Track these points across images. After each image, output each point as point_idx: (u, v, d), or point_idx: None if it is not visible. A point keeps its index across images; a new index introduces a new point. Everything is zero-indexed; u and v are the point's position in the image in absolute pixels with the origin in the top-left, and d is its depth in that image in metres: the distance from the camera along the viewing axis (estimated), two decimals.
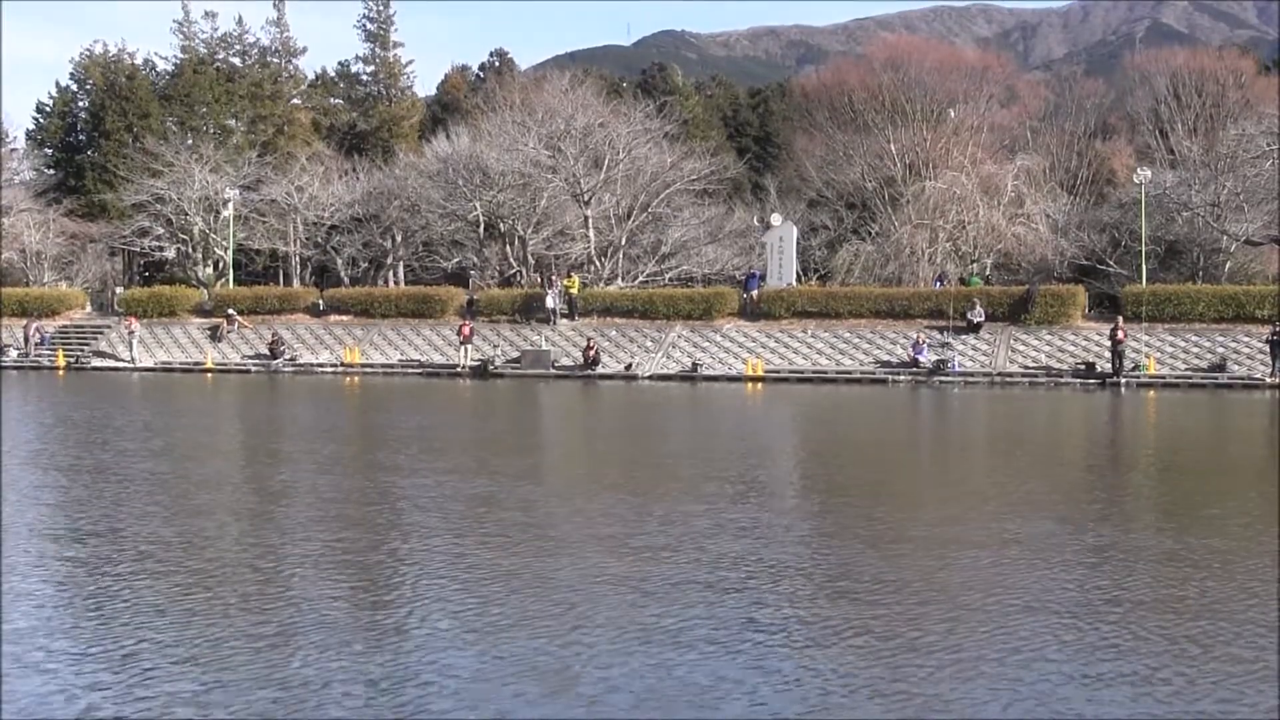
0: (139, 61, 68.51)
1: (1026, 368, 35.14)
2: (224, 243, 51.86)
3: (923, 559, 9.74)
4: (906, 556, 9.81)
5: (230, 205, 50.18)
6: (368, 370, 38.92)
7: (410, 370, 38.68)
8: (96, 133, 62.16)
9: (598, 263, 47.60)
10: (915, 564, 9.53)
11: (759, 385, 34.26)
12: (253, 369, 39.87)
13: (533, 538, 10.47)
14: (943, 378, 34.47)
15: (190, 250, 53.91)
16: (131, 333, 41.54)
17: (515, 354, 38.57)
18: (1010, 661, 6.75)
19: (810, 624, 7.62)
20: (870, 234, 49.27)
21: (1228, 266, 45.75)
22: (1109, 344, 34.04)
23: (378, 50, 68.88)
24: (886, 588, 8.58)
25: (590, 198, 47.18)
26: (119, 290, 53.17)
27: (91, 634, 7.34)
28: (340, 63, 73.59)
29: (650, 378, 36.31)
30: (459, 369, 37.94)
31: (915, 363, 35.32)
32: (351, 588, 8.78)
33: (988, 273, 47.59)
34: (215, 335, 42.45)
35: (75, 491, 13.42)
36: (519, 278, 48.38)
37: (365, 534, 10.74)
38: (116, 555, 9.72)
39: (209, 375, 38.81)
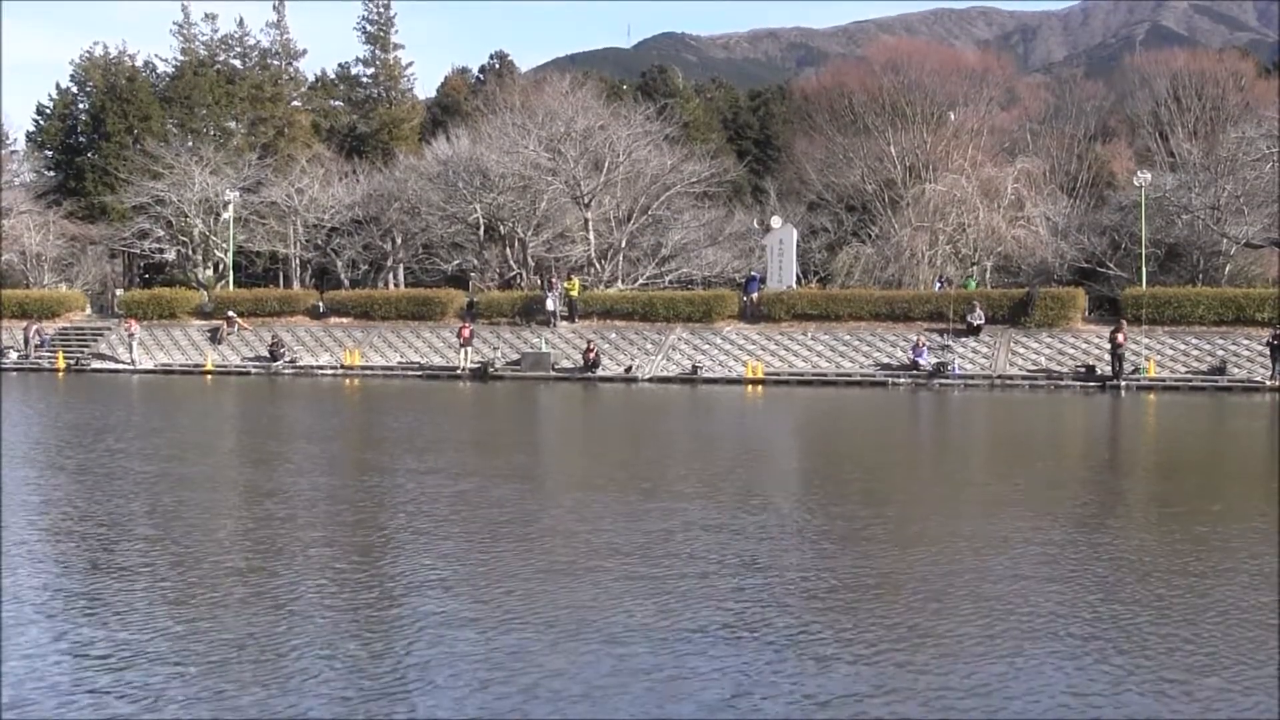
0: (139, 63, 68.74)
1: (1026, 370, 35.14)
2: (224, 245, 51.88)
3: (880, 556, 9.90)
4: (865, 553, 9.95)
5: (230, 207, 50.19)
6: (367, 372, 38.92)
7: (410, 373, 38.68)
8: (97, 135, 62.19)
9: (598, 265, 47.62)
10: (871, 561, 9.69)
11: (759, 388, 34.26)
12: (253, 371, 39.87)
13: (498, 536, 10.60)
14: (943, 380, 34.48)
15: (190, 252, 53.94)
16: (131, 335, 41.52)
17: (515, 356, 38.57)
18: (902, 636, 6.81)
19: (749, 622, 7.66)
20: (870, 236, 49.30)
21: (1228, 269, 45.78)
22: (1109, 347, 34.03)
23: (378, 52, 68.91)
24: (819, 579, 8.82)
25: (590, 200, 47.20)
26: (119, 292, 53.14)
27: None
28: (340, 65, 73.71)
29: (650, 380, 36.31)
30: (459, 371, 37.94)
31: (915, 365, 35.32)
32: (300, 580, 8.91)
33: (986, 276, 47.62)
34: (215, 337, 42.45)
35: (54, 490, 13.51)
36: (519, 280, 48.39)
37: (329, 531, 10.89)
38: (75, 549, 9.91)
39: (209, 377, 38.79)
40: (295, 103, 68.36)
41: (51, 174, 64.98)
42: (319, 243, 54.60)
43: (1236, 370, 33.62)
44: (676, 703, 6.12)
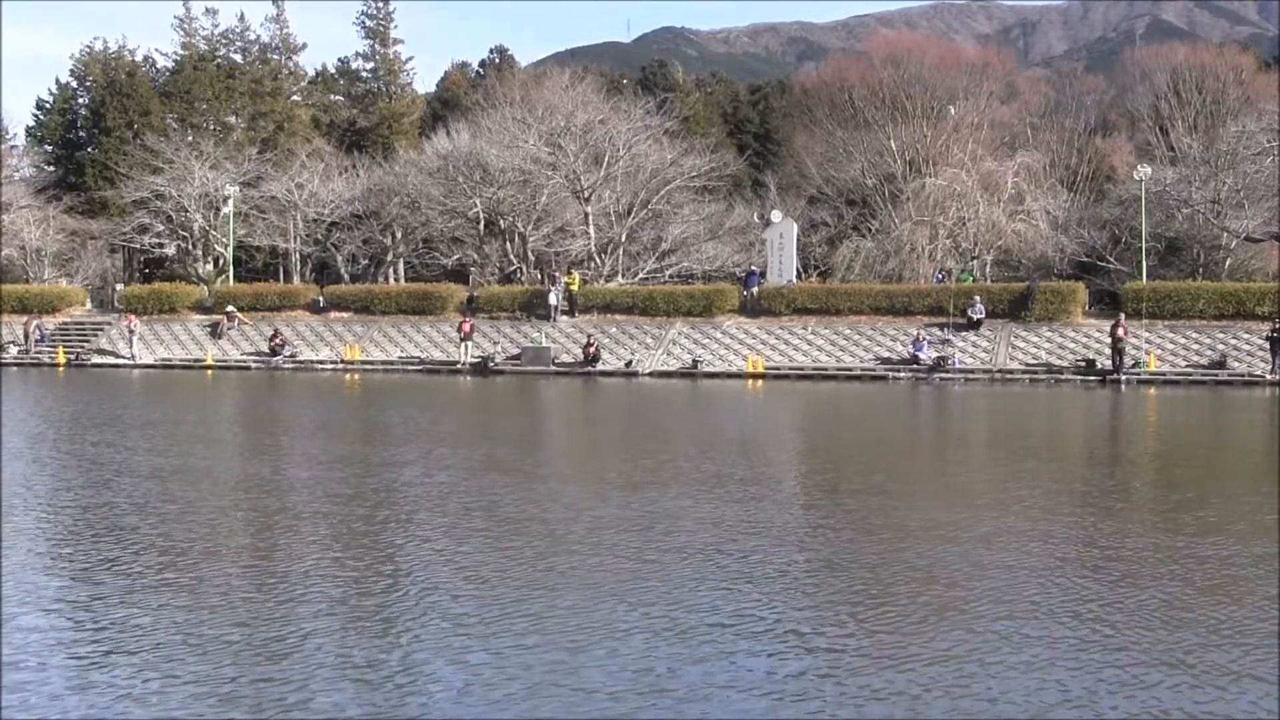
0: (139, 58, 68.63)
1: (1027, 364, 35.14)
2: (224, 239, 51.88)
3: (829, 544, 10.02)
4: (813, 542, 10.07)
5: (230, 202, 50.18)
6: (367, 367, 38.94)
7: (410, 367, 38.71)
8: (97, 129, 62.15)
9: (598, 259, 47.62)
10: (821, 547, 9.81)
11: (759, 382, 34.27)
12: (253, 366, 39.90)
13: (471, 524, 10.74)
14: (943, 374, 34.49)
15: (190, 247, 53.93)
16: (132, 330, 41.56)
17: (515, 351, 38.60)
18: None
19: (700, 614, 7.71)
20: (870, 231, 49.29)
21: (1228, 263, 45.77)
22: (1109, 341, 34.05)
23: (377, 47, 68.85)
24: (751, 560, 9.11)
25: (590, 194, 47.19)
26: (119, 287, 53.17)
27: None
28: (340, 59, 73.74)
29: (650, 374, 36.32)
30: (459, 366, 37.96)
31: (916, 359, 35.33)
32: (261, 566, 9.09)
33: (987, 270, 47.62)
34: (215, 332, 42.49)
35: (40, 482, 13.63)
36: (519, 275, 48.39)
37: (301, 520, 11.00)
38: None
39: (209, 372, 38.84)
40: (295, 97, 68.26)
41: (51, 169, 64.92)
42: (319, 237, 54.57)
43: (1236, 364, 33.64)
44: None
